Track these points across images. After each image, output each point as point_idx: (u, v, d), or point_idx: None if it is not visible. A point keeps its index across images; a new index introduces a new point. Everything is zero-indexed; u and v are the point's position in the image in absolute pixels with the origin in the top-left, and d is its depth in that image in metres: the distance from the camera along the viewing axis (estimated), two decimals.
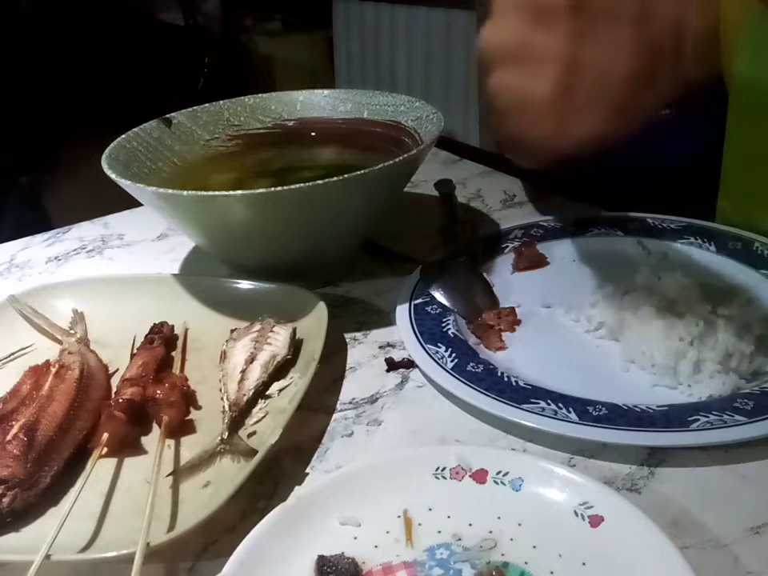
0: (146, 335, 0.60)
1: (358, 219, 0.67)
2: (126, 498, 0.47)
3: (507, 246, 0.71)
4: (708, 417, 0.47)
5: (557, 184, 0.88)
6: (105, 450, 0.48)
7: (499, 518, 0.41)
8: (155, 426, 0.52)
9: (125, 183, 0.60)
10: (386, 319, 0.64)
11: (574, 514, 0.41)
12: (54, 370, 0.54)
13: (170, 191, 0.58)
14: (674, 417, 0.48)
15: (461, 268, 0.67)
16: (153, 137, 0.74)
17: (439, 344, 0.57)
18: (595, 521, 0.40)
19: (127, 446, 0.50)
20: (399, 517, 0.42)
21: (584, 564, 0.38)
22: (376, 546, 0.40)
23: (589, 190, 0.83)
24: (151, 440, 0.51)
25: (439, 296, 0.63)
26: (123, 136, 0.71)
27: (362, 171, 0.57)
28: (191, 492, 0.46)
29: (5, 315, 0.63)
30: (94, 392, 0.54)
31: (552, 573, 0.38)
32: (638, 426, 0.47)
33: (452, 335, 0.58)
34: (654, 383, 0.53)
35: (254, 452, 0.46)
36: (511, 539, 0.40)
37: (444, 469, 0.44)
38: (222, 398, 0.53)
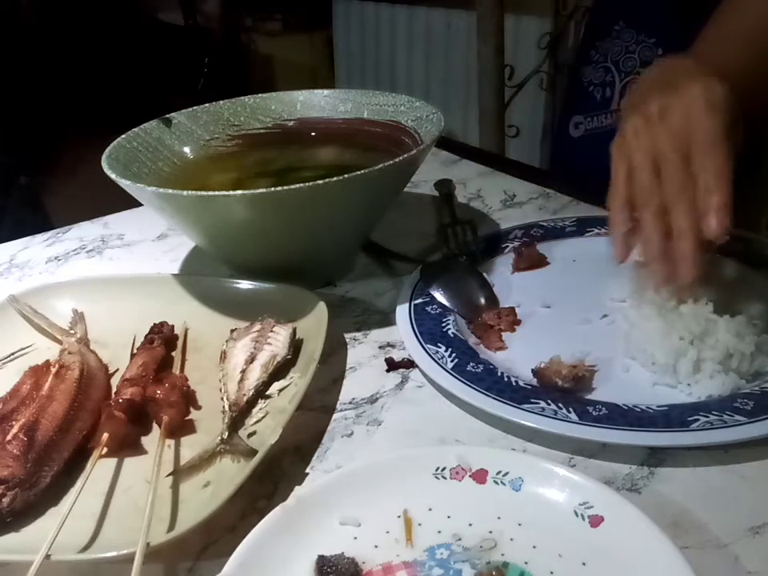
0: (146, 335, 0.60)
1: (358, 219, 0.67)
2: (126, 498, 0.47)
3: (507, 246, 0.71)
4: (708, 417, 0.47)
5: (557, 184, 0.88)
6: (105, 449, 0.48)
7: (499, 518, 0.41)
8: (155, 426, 0.52)
9: (125, 183, 0.60)
10: (386, 319, 0.64)
11: (574, 514, 0.41)
12: (54, 369, 0.54)
13: (170, 191, 0.58)
14: (674, 417, 0.48)
15: (461, 268, 0.67)
16: (153, 137, 0.74)
17: (439, 344, 0.57)
18: (595, 521, 0.40)
19: (127, 446, 0.50)
20: (399, 517, 0.42)
21: (584, 564, 0.38)
22: (376, 546, 0.40)
23: (589, 189, 0.83)
24: (151, 440, 0.51)
25: (439, 296, 0.63)
26: (123, 136, 0.71)
27: (362, 171, 0.57)
28: (191, 492, 0.46)
29: (5, 315, 0.63)
30: (94, 392, 0.54)
31: (552, 573, 0.38)
32: (638, 426, 0.47)
33: (452, 335, 0.58)
34: (654, 382, 0.53)
35: (254, 452, 0.46)
36: (511, 539, 0.40)
37: (444, 469, 0.44)
38: (222, 398, 0.53)
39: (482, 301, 0.63)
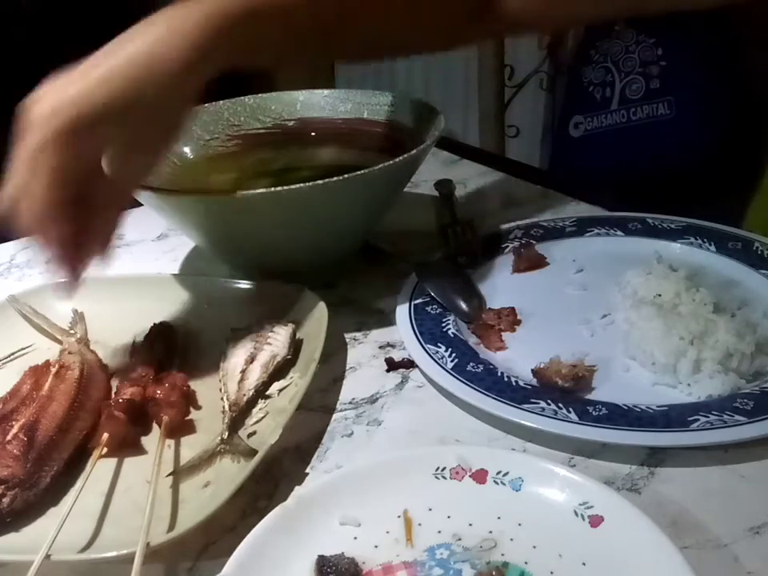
0: (146, 335, 0.60)
1: (358, 219, 0.67)
2: (126, 497, 0.47)
3: (507, 247, 0.71)
4: (708, 417, 0.47)
5: (557, 184, 0.88)
6: (105, 449, 0.48)
7: (499, 518, 0.41)
8: (155, 426, 0.52)
9: None
10: (386, 319, 0.64)
11: (574, 513, 0.41)
12: (53, 370, 0.54)
13: (170, 191, 0.58)
14: (674, 417, 0.48)
15: (448, 271, 0.66)
16: None
17: (439, 344, 0.57)
18: (595, 521, 0.40)
19: (127, 446, 0.50)
20: (399, 517, 0.42)
21: (584, 564, 0.38)
22: (376, 546, 0.40)
23: (589, 189, 0.84)
24: (151, 440, 0.51)
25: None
26: None
27: (362, 171, 0.57)
28: (191, 492, 0.46)
29: (5, 315, 0.63)
30: (94, 392, 0.54)
31: (552, 573, 0.38)
32: (638, 426, 0.47)
33: (452, 335, 0.58)
34: (654, 382, 0.53)
35: (254, 452, 0.46)
36: (511, 539, 0.40)
37: (444, 469, 0.44)
38: (222, 398, 0.53)
39: (464, 306, 0.62)
